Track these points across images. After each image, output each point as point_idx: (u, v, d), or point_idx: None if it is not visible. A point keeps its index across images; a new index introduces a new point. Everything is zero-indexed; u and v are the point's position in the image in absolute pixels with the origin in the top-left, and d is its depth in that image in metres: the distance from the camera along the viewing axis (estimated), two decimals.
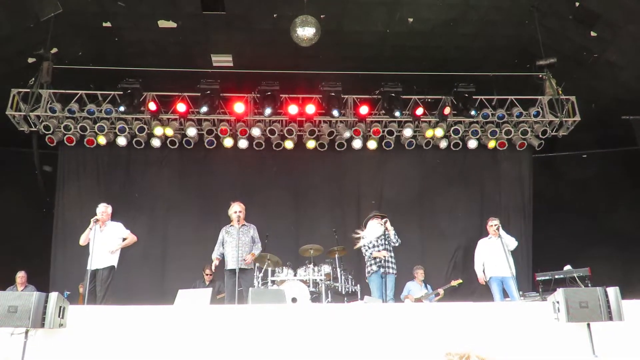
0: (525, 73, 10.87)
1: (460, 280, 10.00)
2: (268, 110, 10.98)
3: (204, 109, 10.85)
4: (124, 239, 8.42)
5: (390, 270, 8.34)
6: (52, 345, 5.38)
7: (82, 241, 8.12)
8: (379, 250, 8.34)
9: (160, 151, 11.85)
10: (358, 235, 8.67)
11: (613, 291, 5.39)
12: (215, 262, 8.44)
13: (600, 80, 10.99)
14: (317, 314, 6.00)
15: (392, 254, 8.50)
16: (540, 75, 10.76)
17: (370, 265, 8.45)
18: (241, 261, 8.14)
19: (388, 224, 8.49)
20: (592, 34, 9.98)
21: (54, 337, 5.39)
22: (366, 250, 8.53)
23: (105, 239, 8.11)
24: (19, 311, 5.06)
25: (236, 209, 8.38)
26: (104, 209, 8.30)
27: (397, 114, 11.07)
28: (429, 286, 10.32)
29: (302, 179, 12.34)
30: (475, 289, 10.11)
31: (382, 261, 8.25)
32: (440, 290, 9.98)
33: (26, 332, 5.15)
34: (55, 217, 11.58)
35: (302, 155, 12.10)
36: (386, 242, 8.44)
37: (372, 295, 8.26)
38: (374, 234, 8.48)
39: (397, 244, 8.53)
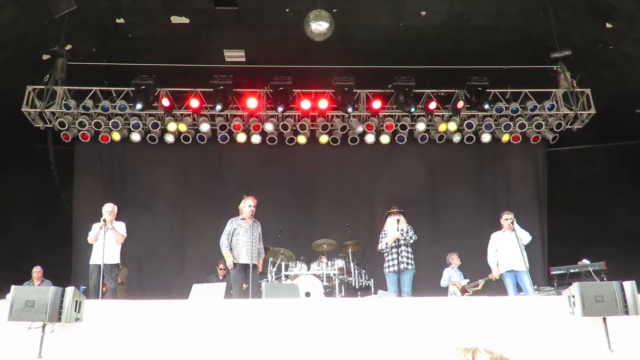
0: (540, 66, 10.76)
1: (497, 276, 9.57)
2: (280, 108, 11.09)
3: (218, 107, 10.96)
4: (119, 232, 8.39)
5: (406, 266, 8.39)
6: (69, 338, 5.45)
7: (91, 239, 8.20)
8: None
9: (174, 147, 11.89)
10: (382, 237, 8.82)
11: (629, 285, 5.35)
12: (231, 264, 8.01)
13: (615, 73, 10.85)
14: (331, 308, 6.02)
15: (410, 250, 8.56)
16: (555, 68, 10.66)
17: (387, 260, 8.63)
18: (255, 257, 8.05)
19: (401, 222, 8.55)
20: (608, 25, 9.86)
21: (70, 330, 5.46)
22: (385, 247, 8.68)
23: (110, 237, 8.19)
24: (36, 306, 5.13)
25: (250, 204, 8.17)
26: (110, 209, 8.37)
27: (412, 109, 11.07)
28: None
29: (315, 174, 12.34)
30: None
31: (397, 256, 8.29)
32: (481, 282, 9.44)
33: (43, 326, 5.23)
34: (74, 212, 11.70)
35: (315, 150, 12.10)
36: (402, 238, 8.50)
37: (387, 290, 8.28)
38: (392, 233, 8.56)
39: (411, 241, 8.58)
